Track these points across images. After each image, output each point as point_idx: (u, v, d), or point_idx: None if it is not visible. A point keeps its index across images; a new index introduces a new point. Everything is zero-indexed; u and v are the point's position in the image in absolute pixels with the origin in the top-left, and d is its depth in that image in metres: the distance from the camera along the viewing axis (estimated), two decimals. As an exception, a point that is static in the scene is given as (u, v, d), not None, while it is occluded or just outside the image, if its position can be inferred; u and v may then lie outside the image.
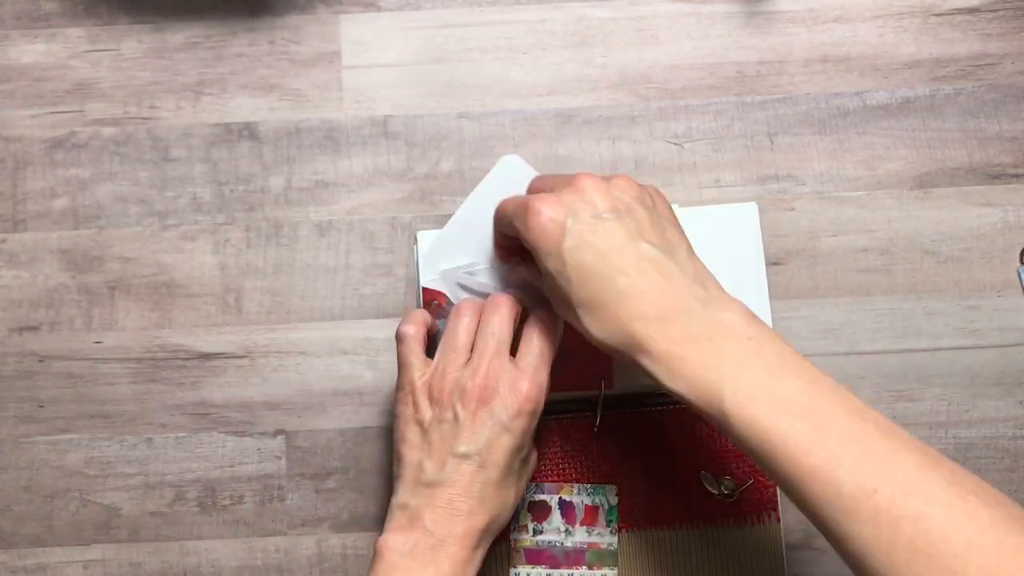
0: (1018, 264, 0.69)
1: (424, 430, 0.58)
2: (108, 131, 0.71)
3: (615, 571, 0.64)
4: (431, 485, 0.57)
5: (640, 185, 0.58)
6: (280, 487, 0.68)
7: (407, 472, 0.58)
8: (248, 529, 0.68)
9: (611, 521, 0.64)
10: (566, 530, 0.64)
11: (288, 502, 0.68)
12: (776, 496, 0.66)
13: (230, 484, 0.68)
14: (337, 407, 0.69)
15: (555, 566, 0.64)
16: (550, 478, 0.66)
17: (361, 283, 0.69)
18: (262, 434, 0.69)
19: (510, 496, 0.58)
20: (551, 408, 0.66)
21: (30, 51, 0.71)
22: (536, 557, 0.64)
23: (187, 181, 0.70)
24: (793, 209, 0.70)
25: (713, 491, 0.65)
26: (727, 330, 0.52)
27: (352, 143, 0.70)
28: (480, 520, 0.57)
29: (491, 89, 0.71)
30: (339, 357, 0.69)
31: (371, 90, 0.71)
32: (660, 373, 0.52)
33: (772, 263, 0.69)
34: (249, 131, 0.70)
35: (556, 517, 0.64)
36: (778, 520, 0.66)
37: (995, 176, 0.70)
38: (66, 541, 0.68)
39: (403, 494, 0.58)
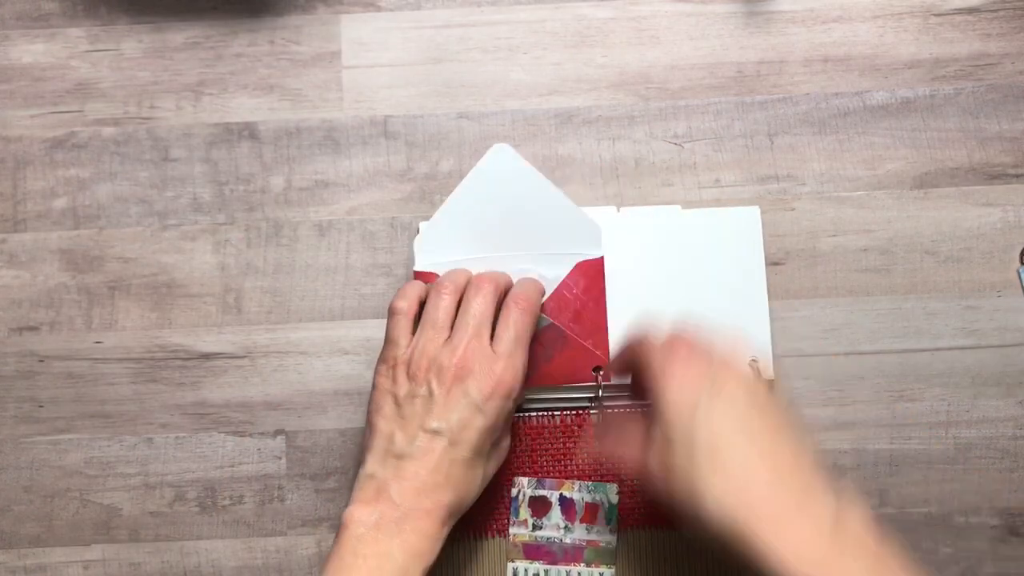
0: (1018, 264, 0.69)
1: (398, 404, 0.58)
2: (108, 131, 0.71)
3: (612, 570, 0.64)
4: (400, 457, 0.57)
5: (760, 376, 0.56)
6: (280, 487, 0.68)
7: (377, 443, 0.58)
8: (248, 529, 0.68)
9: (611, 520, 0.64)
10: (565, 527, 0.64)
11: (288, 502, 0.68)
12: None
13: (230, 484, 0.68)
14: (337, 407, 0.69)
15: (553, 562, 0.64)
16: (551, 474, 0.66)
17: (361, 283, 0.69)
18: (262, 434, 0.69)
19: (477, 477, 0.59)
20: (552, 404, 0.66)
21: (30, 51, 0.71)
22: (534, 552, 0.64)
23: (187, 181, 0.70)
24: (793, 209, 0.70)
25: (713, 492, 0.66)
26: (859, 537, 0.49)
27: (352, 143, 0.70)
28: (446, 497, 0.57)
29: (491, 89, 0.71)
30: (339, 357, 0.69)
31: (371, 90, 0.71)
32: (773, 562, 0.48)
33: (772, 263, 0.69)
34: (249, 131, 0.70)
35: (556, 513, 0.64)
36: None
37: (995, 176, 0.70)
38: (66, 541, 0.68)
39: (371, 464, 0.58)
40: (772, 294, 0.68)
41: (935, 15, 0.71)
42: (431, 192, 0.70)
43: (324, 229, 0.70)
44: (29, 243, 0.70)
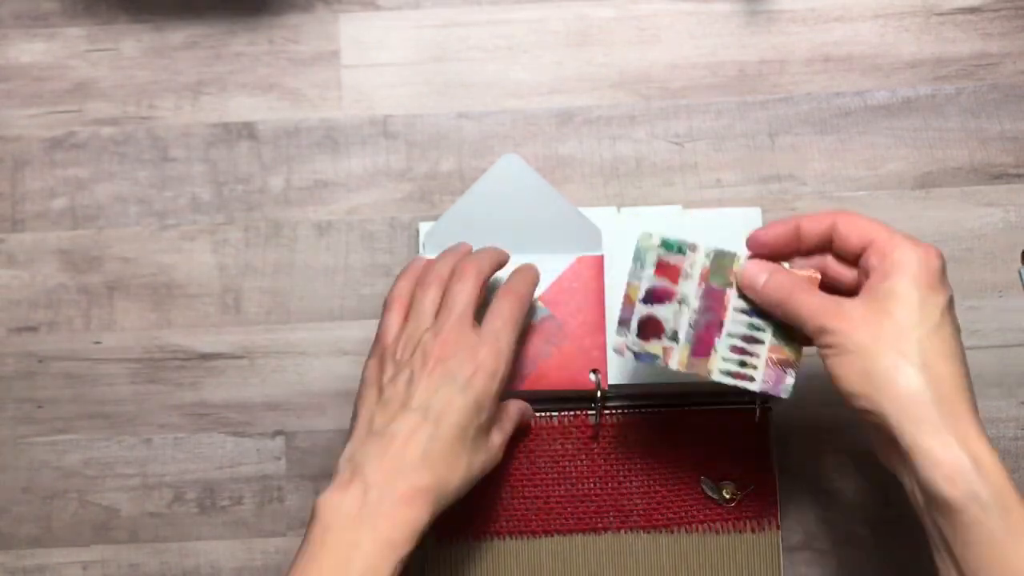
0: (1019, 264, 0.69)
1: (381, 390, 0.58)
2: (107, 131, 0.70)
3: (740, 255, 0.57)
4: (380, 436, 0.55)
5: None
6: (279, 488, 0.68)
7: (359, 428, 0.57)
8: (247, 530, 0.68)
9: (677, 248, 0.57)
10: (679, 302, 0.57)
11: (287, 503, 0.68)
12: (776, 502, 0.66)
13: (229, 485, 0.68)
14: (337, 407, 0.68)
15: (720, 322, 0.57)
16: (548, 477, 0.65)
17: (360, 283, 0.69)
18: (261, 435, 0.68)
19: (460, 465, 0.56)
20: (551, 407, 0.66)
21: (29, 50, 0.71)
22: (702, 345, 0.57)
23: (186, 181, 0.70)
24: (794, 209, 0.69)
25: (713, 496, 0.65)
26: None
27: (351, 143, 0.70)
28: (424, 480, 0.54)
29: (491, 89, 0.71)
30: (339, 357, 0.69)
31: (371, 89, 0.71)
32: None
33: (773, 263, 0.69)
34: (248, 131, 0.70)
35: (663, 310, 0.57)
36: (777, 527, 0.66)
37: (996, 176, 0.70)
38: (65, 542, 0.68)
39: (350, 447, 0.56)
40: (773, 294, 0.68)
41: (936, 14, 0.71)
42: (431, 192, 0.70)
43: (323, 229, 0.70)
44: (28, 243, 0.70)
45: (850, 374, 0.50)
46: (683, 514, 0.65)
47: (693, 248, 0.57)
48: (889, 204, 0.69)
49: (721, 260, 0.57)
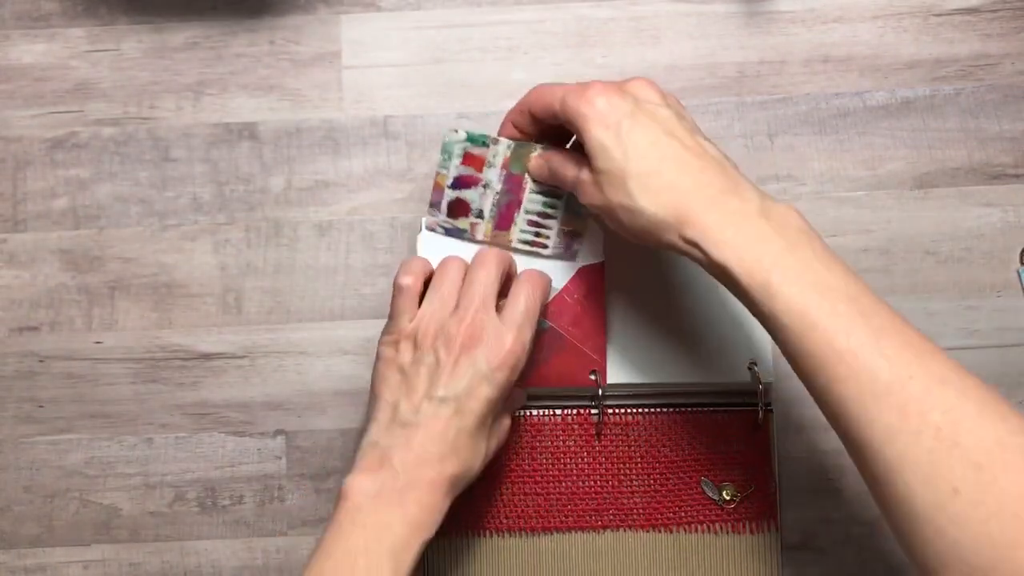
0: (1018, 264, 0.69)
1: (404, 373, 0.58)
2: (108, 131, 0.71)
3: (537, 146, 0.62)
4: (405, 426, 0.57)
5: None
6: (280, 487, 0.68)
7: (382, 412, 0.58)
8: (248, 529, 0.68)
9: (480, 140, 0.62)
10: (484, 186, 0.63)
11: (288, 502, 0.68)
12: (776, 504, 0.66)
13: (230, 484, 0.68)
14: (337, 407, 0.69)
15: (519, 202, 0.63)
16: (549, 474, 0.66)
17: (361, 283, 0.70)
18: (262, 434, 0.69)
19: (480, 450, 0.58)
20: (554, 404, 0.66)
21: (30, 51, 0.71)
22: (505, 220, 0.63)
23: (187, 181, 0.70)
24: (793, 209, 0.70)
25: (713, 497, 0.65)
26: (783, 217, 0.53)
27: (352, 143, 0.70)
28: (450, 467, 0.56)
29: (491, 89, 0.71)
30: (339, 357, 0.69)
31: (371, 90, 0.71)
32: (709, 242, 0.52)
33: (772, 263, 0.69)
34: (249, 131, 0.70)
35: (468, 193, 0.63)
36: (777, 529, 0.66)
37: (995, 176, 0.70)
38: (66, 541, 0.68)
39: (375, 432, 0.57)
40: (772, 294, 0.68)
41: (935, 15, 0.71)
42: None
43: (324, 229, 0.70)
44: (29, 243, 0.70)
45: (607, 223, 0.57)
46: (683, 514, 0.65)
47: (495, 141, 0.62)
48: (888, 204, 0.70)
49: (520, 150, 0.62)
